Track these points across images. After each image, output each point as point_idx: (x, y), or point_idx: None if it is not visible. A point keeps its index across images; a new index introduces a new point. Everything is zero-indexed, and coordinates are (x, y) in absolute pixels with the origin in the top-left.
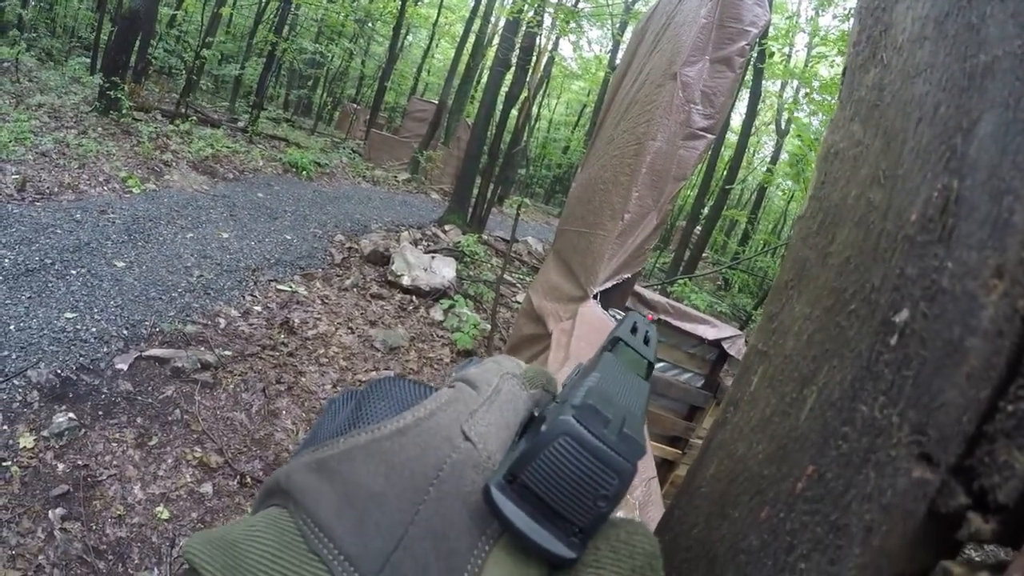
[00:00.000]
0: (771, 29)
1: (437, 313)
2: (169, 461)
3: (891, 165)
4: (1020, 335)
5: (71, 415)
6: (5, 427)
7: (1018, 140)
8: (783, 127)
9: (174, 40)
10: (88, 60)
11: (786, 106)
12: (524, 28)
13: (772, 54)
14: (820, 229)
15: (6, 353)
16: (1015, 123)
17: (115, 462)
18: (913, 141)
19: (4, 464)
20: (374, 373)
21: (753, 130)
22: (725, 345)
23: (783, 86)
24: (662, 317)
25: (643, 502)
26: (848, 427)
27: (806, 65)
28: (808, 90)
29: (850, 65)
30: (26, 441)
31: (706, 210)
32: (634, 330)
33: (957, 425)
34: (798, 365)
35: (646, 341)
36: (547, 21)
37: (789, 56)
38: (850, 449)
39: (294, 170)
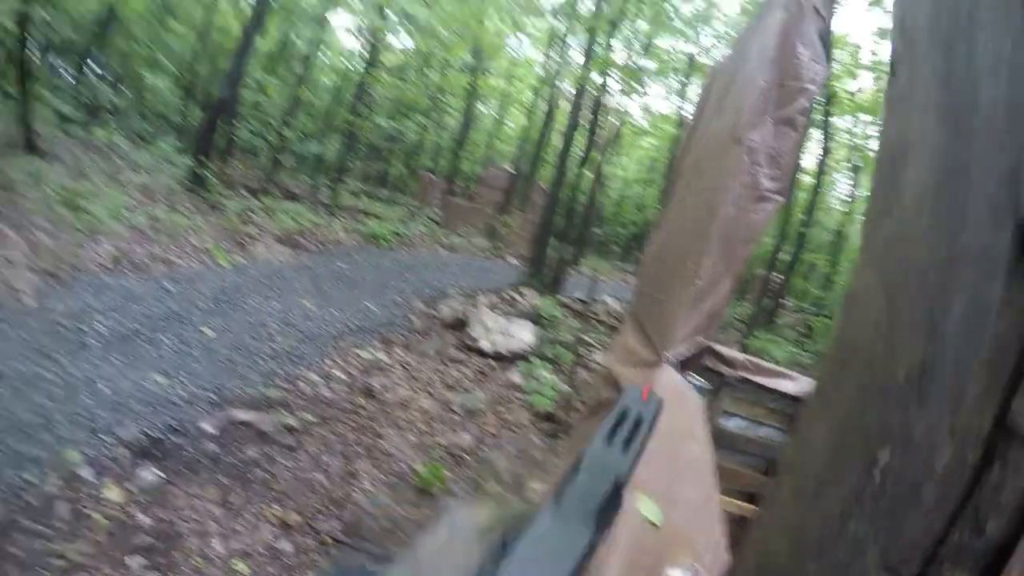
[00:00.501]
0: (834, 65)
1: (515, 376)
2: (249, 518)
3: (890, 321)
4: (969, 481)
5: (157, 471)
6: (94, 480)
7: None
8: (858, 164)
9: (257, 122)
10: (176, 141)
11: (858, 142)
12: (591, 91)
13: (835, 94)
14: (837, 363)
15: (98, 412)
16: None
17: (196, 517)
18: (906, 302)
19: (91, 515)
20: (453, 436)
21: (825, 169)
22: (805, 399)
23: (855, 121)
24: (741, 374)
25: (711, 564)
26: (840, 539)
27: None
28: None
29: (867, 215)
30: (113, 494)
31: (783, 255)
32: (613, 433)
33: (916, 548)
34: (812, 483)
35: (630, 437)
36: (612, 83)
37: (855, 92)
38: (839, 560)
39: (374, 240)
